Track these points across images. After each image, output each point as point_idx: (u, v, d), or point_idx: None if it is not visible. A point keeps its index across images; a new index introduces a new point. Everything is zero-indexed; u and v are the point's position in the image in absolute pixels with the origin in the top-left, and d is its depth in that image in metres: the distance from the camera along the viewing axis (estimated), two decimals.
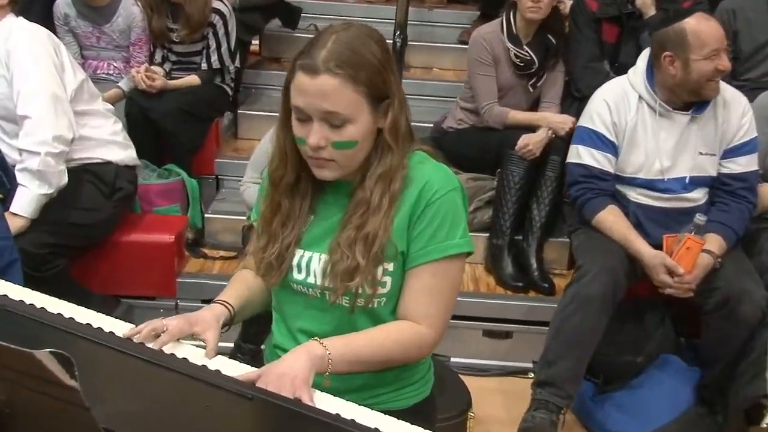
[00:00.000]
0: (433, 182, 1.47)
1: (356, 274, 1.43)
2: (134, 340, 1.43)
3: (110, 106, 3.04)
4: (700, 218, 2.51)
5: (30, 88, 2.59)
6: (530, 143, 3.18)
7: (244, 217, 3.05)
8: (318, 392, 1.35)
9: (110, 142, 2.90)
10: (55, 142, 2.58)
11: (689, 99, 2.66)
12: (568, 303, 2.56)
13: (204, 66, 3.64)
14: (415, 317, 1.48)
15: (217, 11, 3.60)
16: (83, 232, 2.78)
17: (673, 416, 2.60)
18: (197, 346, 1.47)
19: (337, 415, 1.25)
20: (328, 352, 1.40)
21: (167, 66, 3.68)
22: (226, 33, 3.63)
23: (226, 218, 3.44)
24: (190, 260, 3.30)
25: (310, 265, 1.50)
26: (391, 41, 3.56)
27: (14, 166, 2.63)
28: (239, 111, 4.04)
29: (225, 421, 1.19)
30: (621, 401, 2.69)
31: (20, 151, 2.60)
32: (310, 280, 1.50)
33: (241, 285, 1.62)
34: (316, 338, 1.43)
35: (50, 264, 2.63)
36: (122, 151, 2.94)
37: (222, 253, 3.35)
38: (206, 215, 3.47)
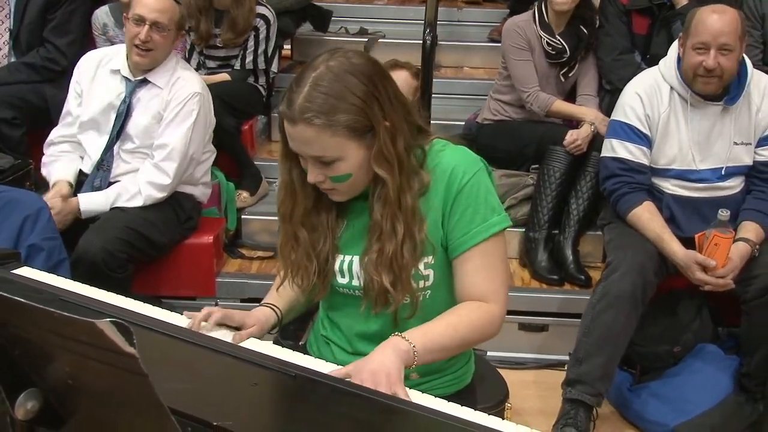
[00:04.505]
0: (458, 168, 1.48)
1: (390, 298, 1.47)
2: (194, 328, 1.49)
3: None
4: (722, 214, 2.46)
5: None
6: (579, 138, 3.19)
7: None
8: None
9: (202, 183, 3.10)
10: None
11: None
12: (598, 301, 2.55)
13: (237, 66, 3.68)
14: (478, 297, 1.50)
15: (263, 16, 3.67)
16: (150, 248, 2.90)
17: (711, 404, 2.58)
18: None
19: (392, 395, 1.29)
20: (412, 345, 1.41)
21: (203, 72, 3.74)
22: (267, 37, 3.69)
23: (263, 219, 3.50)
24: (229, 261, 3.36)
25: (352, 268, 1.53)
26: (421, 41, 3.59)
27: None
28: (272, 114, 4.09)
29: (270, 398, 1.24)
30: (658, 390, 2.68)
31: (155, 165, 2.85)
32: (355, 282, 1.54)
33: (286, 287, 1.65)
34: (397, 333, 1.43)
35: (124, 268, 2.75)
36: (206, 190, 3.14)
37: (259, 253, 3.41)
38: (243, 216, 3.53)
